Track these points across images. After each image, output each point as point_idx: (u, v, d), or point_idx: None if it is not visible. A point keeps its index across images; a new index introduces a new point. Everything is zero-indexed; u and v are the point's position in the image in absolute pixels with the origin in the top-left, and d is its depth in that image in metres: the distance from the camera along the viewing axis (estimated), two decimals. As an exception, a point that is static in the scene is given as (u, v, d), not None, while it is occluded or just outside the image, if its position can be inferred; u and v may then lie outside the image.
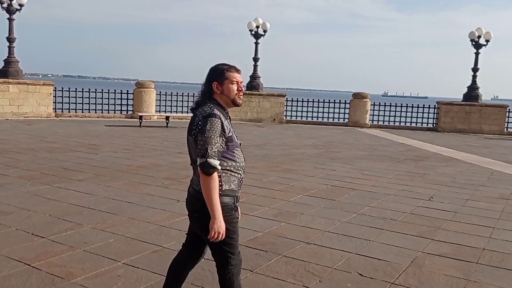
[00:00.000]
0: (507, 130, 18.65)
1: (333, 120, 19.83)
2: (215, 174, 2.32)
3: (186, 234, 2.74)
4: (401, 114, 19.69)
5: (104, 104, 17.62)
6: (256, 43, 19.12)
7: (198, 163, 2.31)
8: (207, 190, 2.31)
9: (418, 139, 15.06)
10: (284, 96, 19.48)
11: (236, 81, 2.46)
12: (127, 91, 17.70)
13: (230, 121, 2.48)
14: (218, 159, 2.32)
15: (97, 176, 6.89)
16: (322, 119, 19.80)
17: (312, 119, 19.77)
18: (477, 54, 18.59)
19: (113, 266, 3.59)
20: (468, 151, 12.45)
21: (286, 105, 19.71)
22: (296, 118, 19.80)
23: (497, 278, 3.69)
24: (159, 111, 18.20)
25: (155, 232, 4.43)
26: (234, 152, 2.42)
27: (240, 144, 2.52)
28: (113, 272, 3.48)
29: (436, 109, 19.34)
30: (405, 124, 19.66)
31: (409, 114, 19.78)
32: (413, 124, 19.61)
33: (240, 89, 2.49)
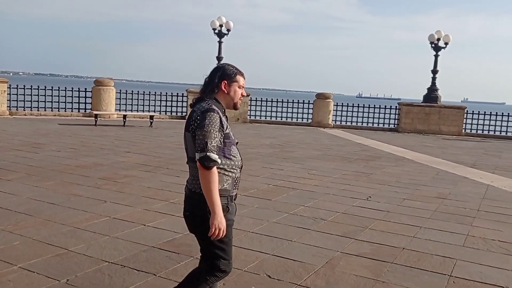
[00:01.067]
0: (465, 131, 19.08)
1: (296, 120, 19.87)
2: (215, 169, 2.27)
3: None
4: (363, 114, 19.88)
5: (61, 102, 17.11)
6: (220, 42, 18.94)
7: (197, 157, 2.25)
8: (207, 184, 2.25)
9: (376, 139, 15.22)
10: (248, 95, 19.37)
11: (243, 86, 2.49)
12: (85, 89, 17.24)
13: (227, 119, 2.44)
14: (217, 154, 2.27)
15: (28, 176, 6.61)
16: (286, 119, 19.82)
17: (276, 119, 19.75)
18: (436, 56, 18.94)
19: (7, 270, 3.38)
20: (422, 151, 12.64)
21: (250, 105, 19.63)
22: (260, 118, 19.74)
23: (407, 278, 3.67)
24: (119, 110, 17.81)
25: (67, 234, 4.23)
26: (230, 150, 2.38)
27: (237, 143, 2.49)
28: (4, 276, 3.28)
29: (397, 110, 19.63)
30: (367, 124, 19.87)
31: (372, 115, 20.02)
32: (376, 125, 19.86)
33: (244, 94, 2.53)
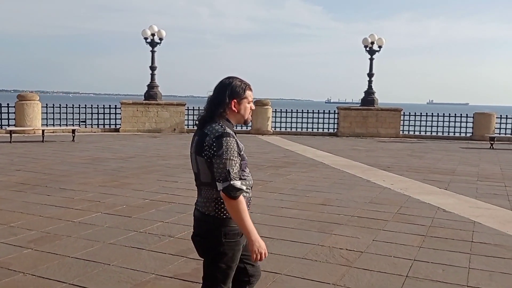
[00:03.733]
0: (403, 132, 19.24)
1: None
2: (241, 197, 2.19)
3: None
4: (302, 120, 19.75)
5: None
6: (152, 51, 18.49)
7: (221, 187, 2.17)
8: (237, 214, 2.18)
9: (308, 145, 15.05)
10: (184, 105, 18.96)
11: (252, 101, 2.41)
12: (8, 104, 16.42)
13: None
14: (240, 179, 2.20)
15: None
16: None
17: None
18: (371, 59, 19.08)
19: None
20: (345, 155, 12.51)
21: (188, 114, 19.21)
22: (198, 128, 19.30)
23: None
24: (47, 125, 17.04)
25: None
26: (245, 171, 2.31)
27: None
28: None
29: (336, 114, 19.61)
30: (307, 130, 19.75)
31: (315, 120, 19.94)
32: (320, 130, 19.76)
33: (253, 108, 2.42)
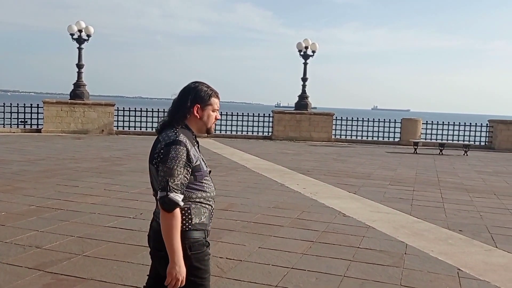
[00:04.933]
0: (335, 137, 19.58)
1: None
2: (177, 211, 2.04)
3: (148, 276, 2.36)
4: (237, 123, 19.59)
5: None
6: (80, 48, 17.60)
7: (158, 196, 2.05)
8: (167, 228, 2.03)
9: (239, 148, 14.88)
10: (113, 105, 18.19)
11: (217, 109, 2.25)
12: None
13: (198, 146, 2.22)
14: (181, 193, 2.05)
15: None
16: (152, 129, 18.80)
17: (146, 129, 18.74)
18: (305, 64, 19.26)
19: None
20: (270, 158, 12.42)
21: (118, 115, 18.45)
22: (129, 129, 18.62)
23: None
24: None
25: None
26: (203, 182, 2.17)
27: (210, 171, 2.25)
28: None
29: (271, 118, 19.62)
30: (242, 133, 19.60)
31: (251, 123, 19.84)
32: (255, 133, 19.66)
33: (218, 118, 2.27)
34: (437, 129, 19.73)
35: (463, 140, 19.24)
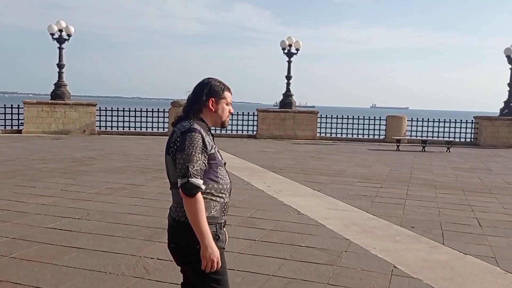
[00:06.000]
0: (320, 135, 19.46)
1: (152, 130, 18.91)
2: (199, 195, 2.08)
3: (182, 272, 2.34)
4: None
5: None
6: (60, 48, 17.46)
7: (179, 184, 2.08)
8: (193, 213, 2.07)
9: (218, 147, 14.72)
10: (95, 105, 18.06)
11: (231, 103, 2.32)
12: None
13: (212, 137, 2.26)
14: (201, 178, 2.09)
15: None
16: (141, 129, 18.77)
17: (129, 129, 18.61)
18: (289, 62, 19.14)
19: None
20: (247, 157, 12.30)
21: (100, 115, 18.32)
22: (112, 129, 18.50)
23: None
24: None
25: None
26: (217, 172, 2.19)
27: (225, 163, 2.28)
28: None
29: (255, 117, 19.49)
30: (232, 132, 19.46)
31: (239, 122, 19.69)
32: (240, 132, 19.53)
33: (232, 111, 2.33)
34: (422, 126, 19.61)
35: (449, 137, 19.14)
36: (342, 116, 19.72)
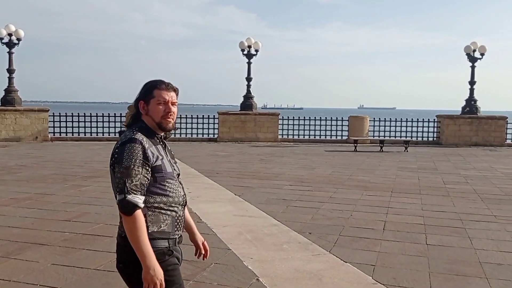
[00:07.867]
0: (282, 137, 19.19)
1: (109, 135, 18.45)
2: (138, 213, 1.90)
3: None
4: (186, 125, 19.08)
5: None
6: (10, 53, 16.95)
7: (116, 201, 1.92)
8: (131, 232, 1.89)
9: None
10: (47, 111, 17.55)
11: (164, 101, 2.04)
12: None
13: (164, 146, 2.07)
14: (142, 194, 1.92)
15: None
16: (97, 134, 18.31)
17: (85, 135, 18.13)
18: (249, 63, 18.87)
19: None
20: (191, 162, 11.93)
21: (54, 121, 17.82)
22: (66, 135, 18.00)
23: None
24: None
25: None
26: (165, 185, 1.99)
27: (179, 175, 2.11)
28: None
29: (216, 119, 19.16)
30: (192, 136, 19.08)
31: (200, 126, 19.36)
32: (200, 136, 19.17)
33: (168, 110, 2.05)
34: (385, 126, 19.44)
35: (411, 137, 19.01)
36: (304, 117, 19.47)
